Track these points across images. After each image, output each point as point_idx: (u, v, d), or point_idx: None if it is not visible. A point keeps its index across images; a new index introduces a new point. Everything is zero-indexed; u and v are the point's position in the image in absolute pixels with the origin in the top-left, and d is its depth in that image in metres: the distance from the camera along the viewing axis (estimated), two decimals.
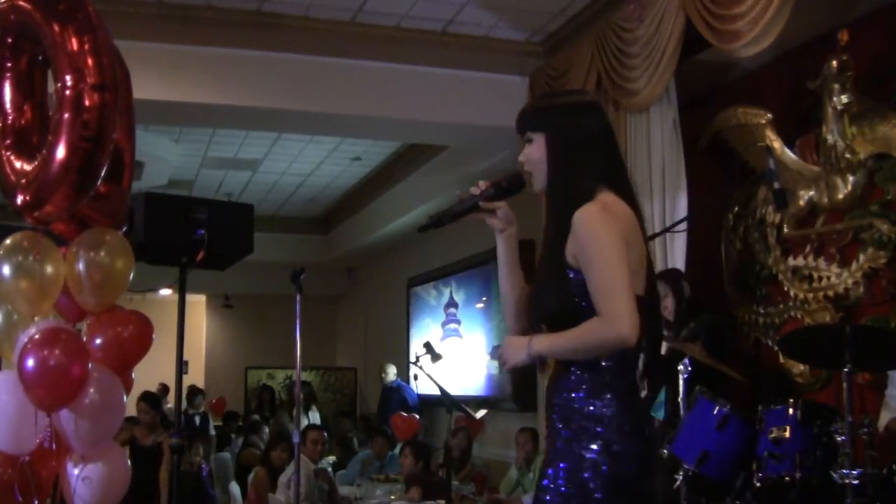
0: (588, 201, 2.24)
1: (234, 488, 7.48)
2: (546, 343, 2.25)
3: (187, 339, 4.50)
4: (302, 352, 4.51)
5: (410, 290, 10.69)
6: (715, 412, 3.89)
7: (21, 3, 3.11)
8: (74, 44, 3.00)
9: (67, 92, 2.99)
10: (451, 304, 9.58)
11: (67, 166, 3.01)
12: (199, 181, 10.13)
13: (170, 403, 9.59)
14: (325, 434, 6.93)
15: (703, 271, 5.27)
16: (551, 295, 2.28)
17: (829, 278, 4.68)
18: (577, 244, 2.21)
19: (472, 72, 6.26)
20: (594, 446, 2.18)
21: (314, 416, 10.92)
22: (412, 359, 8.23)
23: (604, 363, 2.22)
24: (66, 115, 2.99)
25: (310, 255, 12.09)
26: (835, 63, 4.48)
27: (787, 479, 3.64)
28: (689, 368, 4.12)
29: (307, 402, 10.99)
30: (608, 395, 2.21)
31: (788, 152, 4.90)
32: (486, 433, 8.21)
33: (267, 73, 5.95)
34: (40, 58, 3.26)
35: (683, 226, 4.83)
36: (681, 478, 3.89)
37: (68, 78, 2.99)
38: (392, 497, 5.97)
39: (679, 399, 4.15)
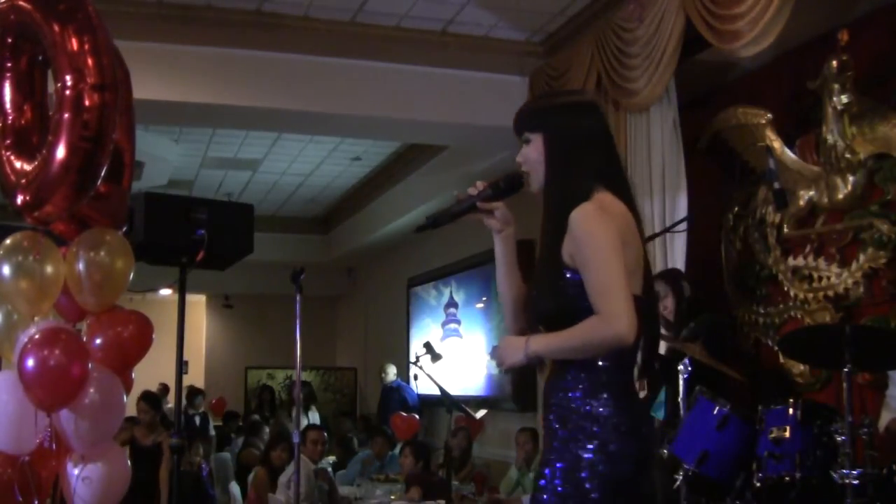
0: (585, 201, 2.24)
1: (234, 488, 7.48)
2: (543, 343, 2.24)
3: (187, 339, 4.50)
4: (302, 352, 4.51)
5: (410, 290, 10.69)
6: (715, 412, 3.89)
7: (21, 3, 3.11)
8: (74, 44, 3.00)
9: (67, 92, 2.99)
10: (451, 304, 9.59)
11: (67, 166, 3.01)
12: (199, 181, 10.13)
13: (170, 403, 9.59)
14: (325, 434, 6.93)
15: (703, 271, 5.27)
16: (548, 295, 2.28)
17: (829, 278, 4.68)
18: (574, 243, 2.21)
19: (472, 72, 6.26)
20: (590, 446, 2.18)
21: (313, 417, 10.92)
22: (412, 359, 8.23)
23: (600, 363, 2.22)
24: (66, 115, 2.99)
25: (310, 255, 12.10)
26: (835, 63, 4.48)
27: (787, 479, 3.64)
28: (689, 368, 4.12)
29: (306, 402, 10.99)
30: (605, 395, 2.21)
31: (788, 152, 4.90)
32: (486, 433, 8.21)
33: (267, 73, 5.95)
34: (40, 58, 3.26)
35: (683, 226, 4.83)
36: (681, 478, 3.89)
37: (68, 78, 2.99)
38: (392, 497, 5.97)
39: (679, 399, 4.15)
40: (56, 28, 3.02)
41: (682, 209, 5.08)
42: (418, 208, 9.05)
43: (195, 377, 13.18)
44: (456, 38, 6.06)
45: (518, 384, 7.62)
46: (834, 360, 3.58)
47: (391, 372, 10.39)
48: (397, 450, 7.43)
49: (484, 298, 8.76)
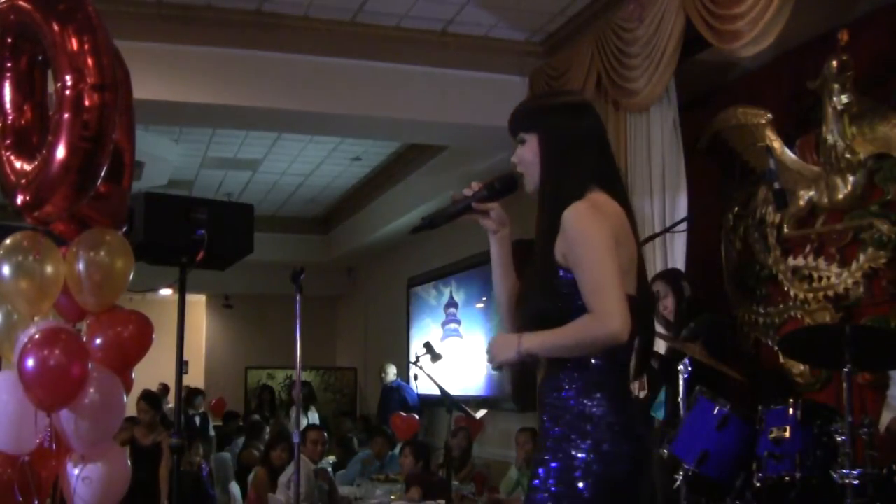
0: (579, 200, 2.23)
1: (234, 488, 7.48)
2: (537, 341, 2.23)
3: (187, 339, 4.50)
4: (302, 352, 4.51)
5: (410, 290, 10.69)
6: (715, 412, 3.89)
7: (21, 3, 3.11)
8: (74, 44, 3.00)
9: (67, 92, 2.99)
10: (451, 304, 9.59)
11: (67, 166, 3.01)
12: (199, 181, 10.13)
13: (170, 403, 9.59)
14: (325, 434, 6.93)
15: (703, 271, 5.27)
16: (541, 294, 2.27)
17: (829, 278, 4.68)
18: (567, 242, 2.21)
19: (472, 72, 6.26)
20: (584, 446, 2.17)
21: (313, 417, 10.92)
22: (412, 359, 8.23)
23: (594, 362, 2.21)
24: (66, 115, 2.99)
25: (310, 255, 12.10)
26: (835, 63, 4.48)
27: (787, 479, 3.64)
28: (689, 368, 4.13)
29: (305, 402, 10.98)
30: (598, 395, 2.20)
31: (788, 152, 4.90)
32: (486, 433, 8.21)
33: (267, 73, 5.95)
34: (40, 58, 3.26)
35: (683, 226, 4.83)
36: (681, 478, 3.89)
37: (68, 78, 2.99)
38: (392, 497, 5.97)
39: (679, 399, 4.15)
40: (56, 28, 3.02)
41: (682, 209, 5.08)
42: (418, 208, 9.05)
43: (195, 377, 13.18)
44: (456, 38, 6.06)
45: (518, 384, 7.62)
46: (834, 360, 3.58)
47: (391, 372, 10.40)
48: (397, 450, 7.43)
49: (484, 298, 8.76)
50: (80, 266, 3.24)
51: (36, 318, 3.24)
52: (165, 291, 8.95)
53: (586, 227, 2.19)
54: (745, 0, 4.21)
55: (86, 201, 3.19)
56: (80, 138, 3.00)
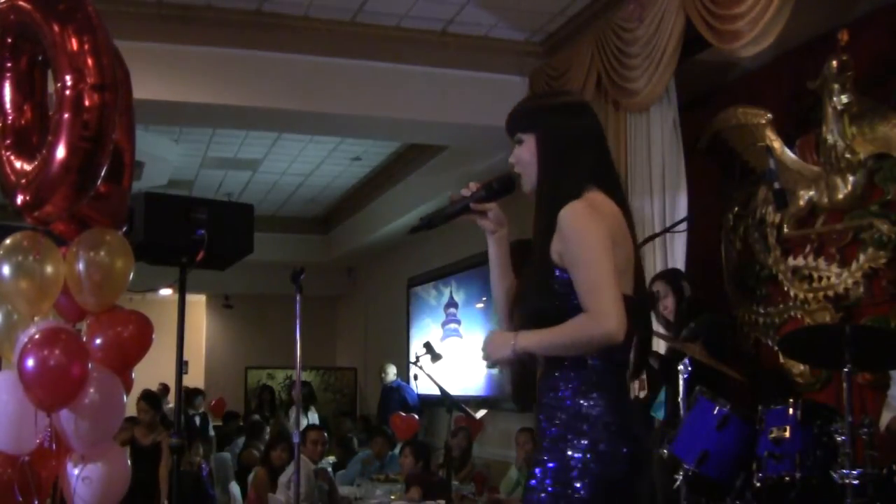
0: (576, 199, 2.23)
1: (234, 488, 7.48)
2: (533, 339, 2.22)
3: (187, 339, 4.50)
4: (302, 352, 4.51)
5: (410, 290, 10.69)
6: (715, 412, 3.89)
7: (21, 3, 3.10)
8: (74, 44, 3.00)
9: (67, 92, 2.99)
10: (451, 304, 9.59)
11: (67, 166, 3.01)
12: (199, 181, 10.13)
13: (170, 403, 9.59)
14: (325, 434, 6.93)
15: (703, 271, 5.27)
16: (537, 293, 2.27)
17: (829, 278, 4.69)
18: (563, 242, 2.20)
19: (472, 72, 6.27)
20: (581, 446, 2.16)
21: (312, 417, 10.92)
22: (412, 359, 8.23)
23: (591, 362, 2.21)
24: (66, 115, 2.99)
25: (310, 255, 12.10)
26: (835, 63, 4.48)
27: (787, 479, 3.64)
28: (689, 368, 4.13)
29: (305, 402, 10.98)
30: (595, 394, 2.20)
31: (788, 152, 4.90)
32: (486, 433, 8.21)
33: (267, 73, 5.95)
34: (40, 58, 3.26)
35: (683, 226, 4.83)
36: (681, 478, 3.89)
37: (68, 78, 2.99)
38: (392, 497, 5.97)
39: (679, 399, 4.15)
40: (56, 28, 3.02)
41: (682, 209, 5.08)
42: (418, 208, 9.05)
43: (195, 377, 13.17)
44: (456, 38, 6.06)
45: (518, 384, 7.62)
46: (834, 360, 3.58)
47: (391, 372, 10.39)
48: (397, 450, 7.43)
49: (484, 298, 8.76)
50: (80, 266, 3.24)
51: (36, 318, 3.24)
52: (165, 291, 8.95)
53: (583, 227, 2.18)
54: (745, 0, 4.21)
55: (86, 201, 3.19)
56: (80, 138, 3.00)
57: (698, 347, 4.19)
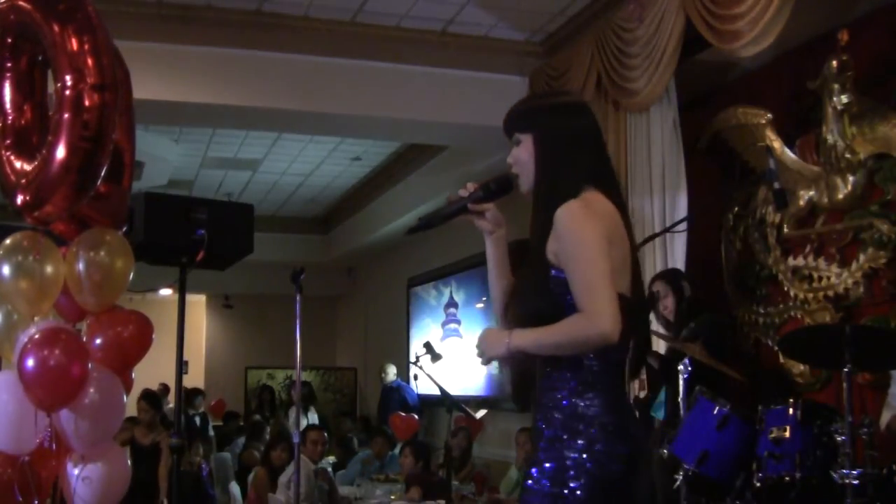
0: (572, 199, 2.23)
1: (234, 488, 7.48)
2: (527, 338, 2.22)
3: (187, 339, 4.50)
4: (302, 352, 4.51)
5: (410, 290, 10.69)
6: (715, 412, 3.89)
7: (21, 3, 3.10)
8: (74, 44, 3.00)
9: (67, 92, 2.99)
10: (451, 304, 9.59)
11: (67, 166, 3.01)
12: (199, 181, 10.13)
13: (170, 404, 9.59)
14: (325, 434, 6.93)
15: (703, 271, 5.27)
16: (532, 293, 2.27)
17: (829, 278, 4.68)
18: (559, 241, 2.20)
19: (472, 72, 6.27)
20: (577, 446, 2.16)
21: (312, 417, 10.92)
22: (412, 359, 8.23)
23: (587, 362, 2.20)
24: (66, 115, 2.99)
25: (310, 255, 12.10)
26: (835, 63, 4.48)
27: (787, 479, 3.64)
28: (689, 368, 4.13)
29: (305, 402, 10.98)
30: (592, 395, 2.19)
31: (788, 152, 4.90)
32: (486, 433, 8.21)
33: (267, 73, 5.95)
34: (40, 58, 3.26)
35: (683, 226, 4.83)
36: (681, 478, 3.89)
37: (68, 78, 2.99)
38: (392, 497, 5.97)
39: (679, 399, 4.15)
40: (56, 28, 3.02)
41: (682, 209, 5.08)
42: (418, 208, 9.05)
43: (195, 377, 13.17)
44: (456, 38, 6.06)
45: (518, 384, 7.62)
46: (834, 360, 3.58)
47: (391, 372, 10.39)
48: (397, 450, 7.43)
49: (484, 298, 8.76)
50: (80, 266, 3.24)
51: (36, 318, 3.24)
52: (165, 291, 8.95)
53: (578, 226, 2.18)
54: (745, 0, 4.21)
55: (86, 201, 3.19)
56: (80, 138, 2.99)
57: (698, 347, 4.19)
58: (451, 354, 8.95)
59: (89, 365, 3.15)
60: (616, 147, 5.36)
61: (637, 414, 4.03)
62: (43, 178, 3.05)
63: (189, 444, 6.96)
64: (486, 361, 2.35)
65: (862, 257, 4.49)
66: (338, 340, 14.43)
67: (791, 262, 4.94)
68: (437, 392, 6.26)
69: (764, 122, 5.06)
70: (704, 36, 4.53)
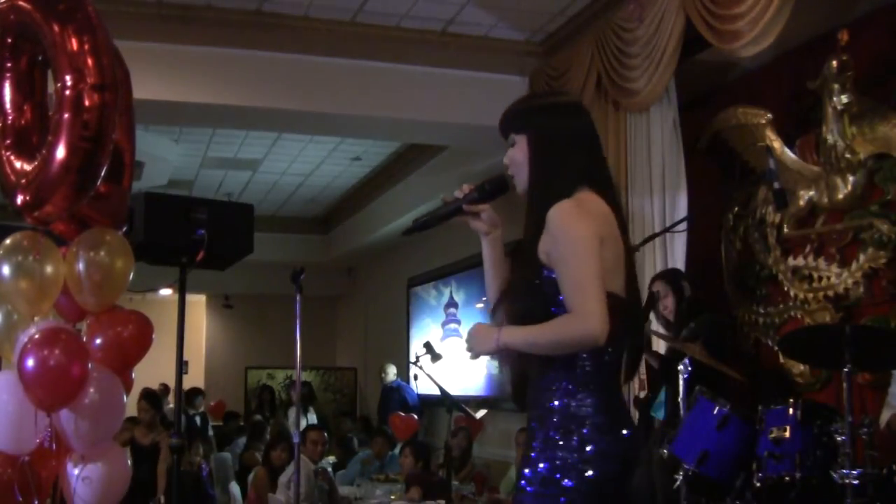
0: (566, 199, 2.22)
1: (234, 488, 7.48)
2: (517, 335, 2.22)
3: (187, 339, 4.50)
4: (302, 352, 4.51)
5: (410, 290, 10.69)
6: (715, 412, 3.89)
7: (21, 3, 3.11)
8: (74, 44, 3.00)
9: (67, 92, 2.99)
10: (451, 304, 9.59)
11: (67, 166, 3.01)
12: (199, 181, 10.13)
13: (170, 404, 9.59)
14: (325, 434, 6.93)
15: (703, 271, 5.27)
16: (523, 292, 2.26)
17: (829, 278, 4.68)
18: (550, 241, 2.19)
19: (472, 72, 6.27)
20: (571, 446, 2.16)
21: (311, 418, 10.92)
22: (412, 359, 8.23)
23: (580, 362, 2.20)
24: (66, 115, 2.99)
25: (310, 255, 12.10)
26: (835, 63, 4.48)
27: (787, 479, 3.64)
28: (689, 368, 4.13)
29: (304, 402, 10.97)
30: (585, 395, 2.19)
31: (788, 152, 4.90)
32: (486, 433, 8.21)
33: (267, 73, 5.95)
34: (40, 58, 3.26)
35: (683, 226, 4.83)
36: (681, 478, 3.89)
37: (68, 78, 2.99)
38: (392, 497, 5.97)
39: (679, 399, 4.15)
40: (56, 28, 3.02)
41: (682, 209, 5.08)
42: (418, 208, 9.04)
43: (195, 377, 13.18)
44: (456, 38, 6.06)
45: (518, 384, 7.59)
46: (834, 360, 3.58)
47: (391, 372, 10.39)
48: (397, 450, 7.43)
49: (484, 298, 8.74)
50: (80, 266, 3.24)
51: (36, 318, 3.24)
52: (165, 291, 8.95)
53: (569, 226, 2.17)
54: (745, 0, 4.21)
55: (86, 201, 3.19)
56: (80, 138, 3.00)
57: (698, 347, 4.19)
58: (451, 354, 8.94)
59: (89, 365, 3.15)
60: (616, 147, 5.36)
61: (632, 414, 4.04)
62: (43, 178, 3.05)
63: (189, 444, 6.96)
64: (475, 356, 2.36)
65: (862, 257, 4.49)
66: (338, 340, 14.43)
67: (791, 262, 4.94)
68: (437, 392, 6.26)
69: (764, 122, 5.06)
70: (704, 36, 4.53)
